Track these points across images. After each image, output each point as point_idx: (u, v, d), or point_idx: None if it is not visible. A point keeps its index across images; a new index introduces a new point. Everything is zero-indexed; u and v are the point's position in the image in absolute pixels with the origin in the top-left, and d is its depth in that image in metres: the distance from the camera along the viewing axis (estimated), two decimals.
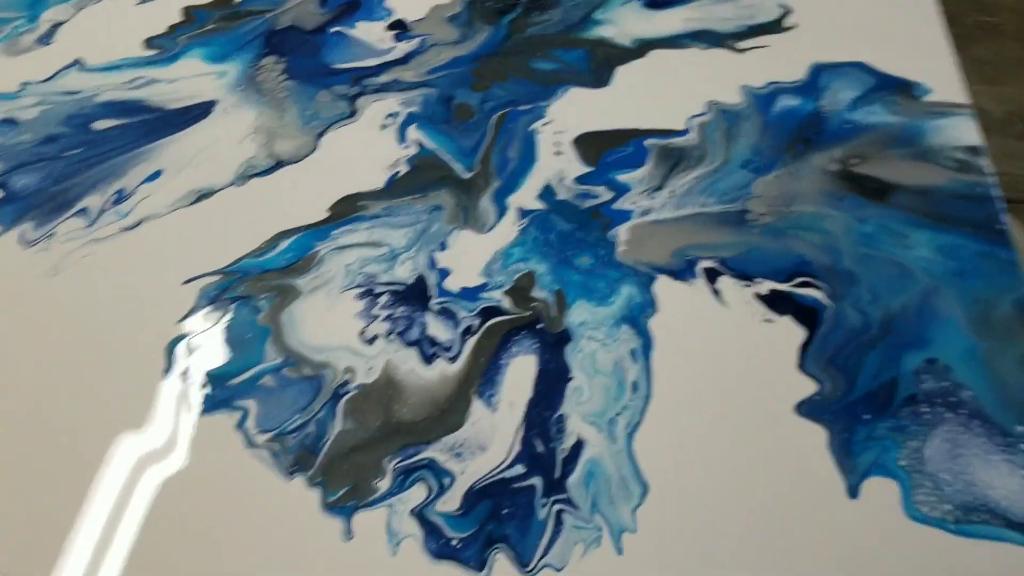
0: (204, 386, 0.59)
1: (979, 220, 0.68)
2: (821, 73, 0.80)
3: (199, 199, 0.70)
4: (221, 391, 0.59)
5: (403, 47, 0.83)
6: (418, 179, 0.72)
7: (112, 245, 0.67)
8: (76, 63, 0.82)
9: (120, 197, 0.71)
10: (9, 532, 0.54)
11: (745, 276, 0.65)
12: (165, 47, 0.83)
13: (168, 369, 0.60)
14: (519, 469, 0.55)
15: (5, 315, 0.64)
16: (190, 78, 0.80)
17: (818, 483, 0.54)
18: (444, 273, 0.65)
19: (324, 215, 0.68)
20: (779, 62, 0.81)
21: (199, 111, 0.77)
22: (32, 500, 0.56)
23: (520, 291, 0.64)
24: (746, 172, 0.72)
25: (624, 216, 0.69)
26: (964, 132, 0.74)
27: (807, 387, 0.58)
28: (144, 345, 0.61)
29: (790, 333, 0.61)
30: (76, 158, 0.74)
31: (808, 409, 0.57)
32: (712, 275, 0.65)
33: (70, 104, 0.78)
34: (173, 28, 0.86)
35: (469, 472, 0.55)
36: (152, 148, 0.74)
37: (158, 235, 0.68)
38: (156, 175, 0.72)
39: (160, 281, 0.64)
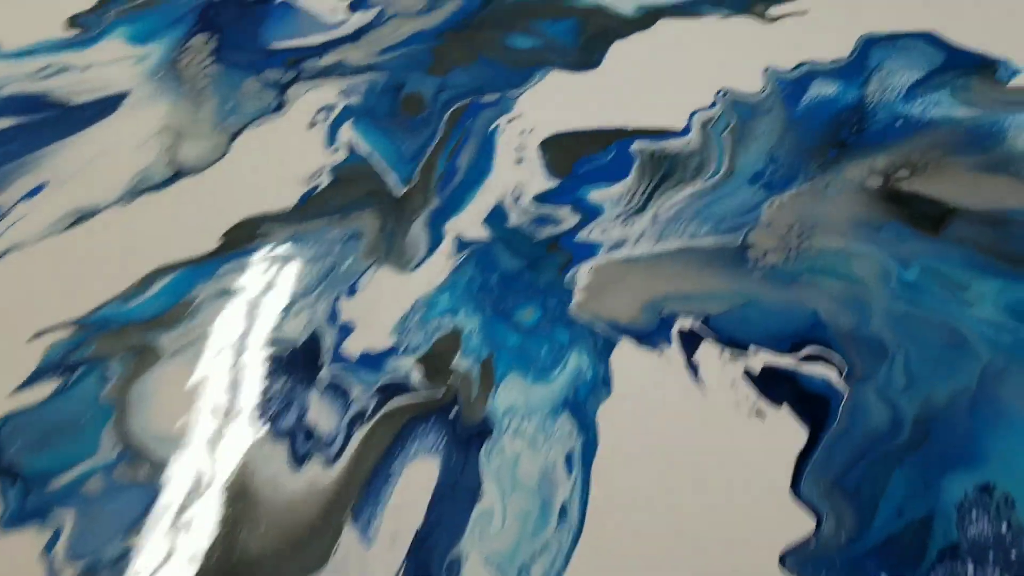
0: (16, 487, 0.43)
1: None
2: (872, 48, 0.58)
3: (76, 222, 0.54)
4: (36, 496, 0.43)
5: (357, 19, 0.65)
6: (339, 196, 0.54)
7: None
8: None
9: None
10: None
11: (735, 343, 0.45)
12: (89, 26, 0.67)
13: None
14: None
15: None
16: (106, 64, 0.64)
17: None
18: (345, 331, 0.47)
19: (214, 244, 0.52)
20: (820, 34, 0.59)
21: (104, 107, 0.61)
22: None
23: (437, 359, 0.46)
24: (755, 189, 0.51)
25: (589, 251, 0.50)
26: None
27: (801, 523, 0.39)
28: None
29: (787, 434, 0.42)
30: None
31: (797, 561, 0.38)
32: (691, 341, 0.45)
33: None
34: (102, 2, 0.69)
35: None
36: (40, 156, 0.58)
37: (21, 270, 0.52)
38: (37, 190, 0.56)
39: (4, 336, 0.49)
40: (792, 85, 0.57)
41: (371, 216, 0.53)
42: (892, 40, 0.58)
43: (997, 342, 0.44)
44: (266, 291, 0.50)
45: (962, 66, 0.56)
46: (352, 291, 0.50)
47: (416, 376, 0.46)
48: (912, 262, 0.48)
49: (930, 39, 0.58)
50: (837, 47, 0.59)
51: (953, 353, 0.44)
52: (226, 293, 0.50)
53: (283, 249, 0.52)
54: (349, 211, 0.54)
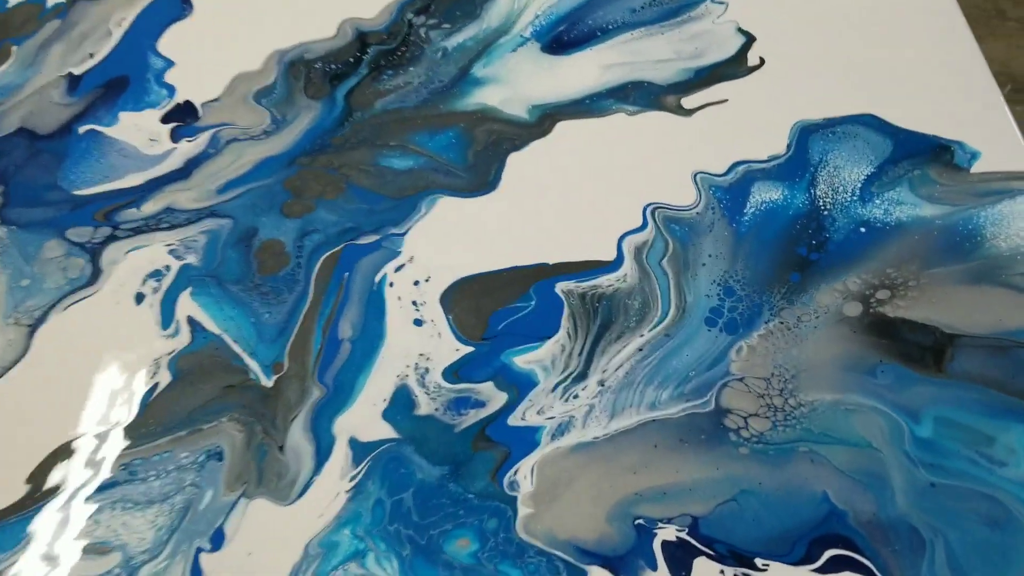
0: None
1: None
2: (810, 139, 0.50)
3: None
4: None
5: (184, 149, 0.52)
6: (186, 398, 0.41)
7: None
8: None
9: None
10: None
11: (737, 556, 0.35)
12: None
13: None
14: None
15: None
16: None
17: None
18: None
19: (20, 491, 0.37)
20: (746, 126, 0.51)
21: None
22: None
23: None
24: (716, 333, 0.42)
25: (528, 440, 0.39)
26: None
27: None
28: None
29: None
30: None
31: None
32: (681, 558, 0.35)
33: None
34: None
35: None
36: None
37: None
38: None
39: None
40: (730, 193, 0.48)
41: (232, 423, 0.41)
42: (830, 127, 0.51)
43: None
44: (96, 554, 0.36)
45: (915, 153, 0.49)
46: (218, 540, 0.37)
47: None
48: (922, 413, 0.39)
49: (871, 122, 0.51)
50: (770, 141, 0.51)
51: (999, 533, 0.36)
52: (43, 560, 0.36)
53: (116, 488, 0.38)
54: (201, 419, 0.41)
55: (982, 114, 0.51)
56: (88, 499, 0.38)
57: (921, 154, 0.49)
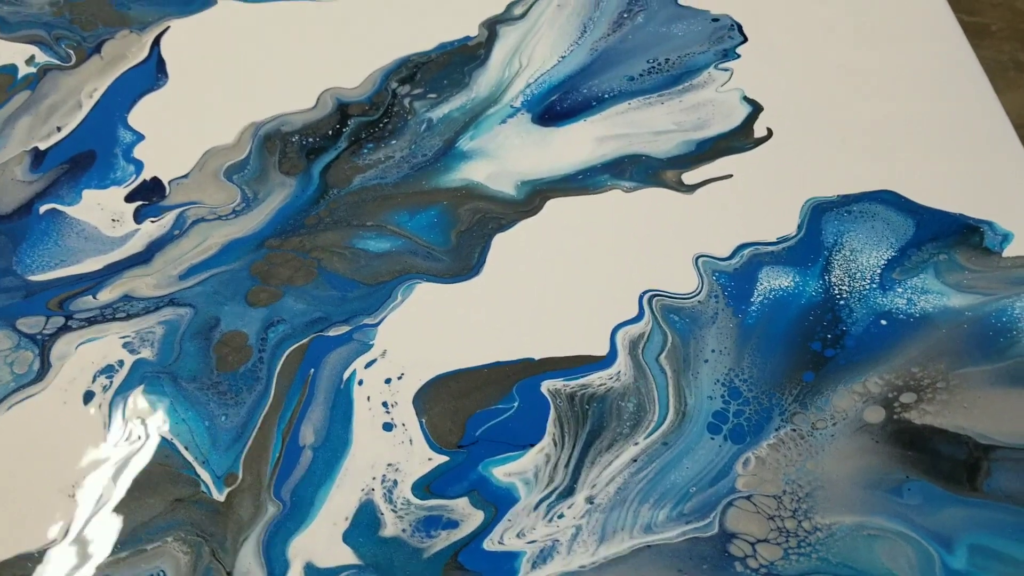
0: None
1: None
2: (823, 219, 0.46)
3: None
4: None
5: (148, 230, 0.49)
6: (132, 513, 0.37)
7: None
8: None
9: None
10: None
11: None
12: None
13: None
14: None
15: None
16: None
17: None
18: None
19: None
20: (753, 205, 0.48)
21: None
22: None
23: None
24: (720, 442, 0.38)
25: (505, 570, 0.35)
26: None
27: None
28: None
29: None
30: None
31: None
32: None
33: None
34: None
35: None
36: None
37: None
38: None
39: None
40: (735, 279, 0.45)
41: (178, 543, 0.37)
42: (845, 206, 0.48)
43: None
44: None
45: (940, 235, 0.46)
46: None
47: None
48: (955, 540, 0.35)
49: (890, 199, 0.48)
50: (779, 221, 0.47)
51: None
52: None
53: None
54: (145, 538, 0.37)
55: (1014, 189, 0.47)
56: None
57: (947, 236, 0.46)
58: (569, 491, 0.38)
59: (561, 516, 0.37)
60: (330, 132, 0.54)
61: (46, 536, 0.38)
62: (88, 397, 0.43)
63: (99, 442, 0.41)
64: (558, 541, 0.36)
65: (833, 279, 0.44)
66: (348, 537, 0.37)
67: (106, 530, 0.38)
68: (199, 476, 0.39)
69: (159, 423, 0.41)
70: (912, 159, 0.50)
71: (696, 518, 0.36)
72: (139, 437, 0.41)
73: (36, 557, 0.37)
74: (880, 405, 0.39)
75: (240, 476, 0.39)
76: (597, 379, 0.41)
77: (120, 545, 0.37)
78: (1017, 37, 1.68)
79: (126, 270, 0.48)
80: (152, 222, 0.50)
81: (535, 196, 0.50)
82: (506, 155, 0.52)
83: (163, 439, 0.41)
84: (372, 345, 0.44)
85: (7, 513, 0.39)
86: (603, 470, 0.38)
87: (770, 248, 0.46)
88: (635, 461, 0.38)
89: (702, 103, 0.54)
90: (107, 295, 0.47)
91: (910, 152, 0.50)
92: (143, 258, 0.49)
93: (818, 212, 0.48)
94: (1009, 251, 0.45)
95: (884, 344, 0.42)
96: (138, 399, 0.42)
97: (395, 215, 0.50)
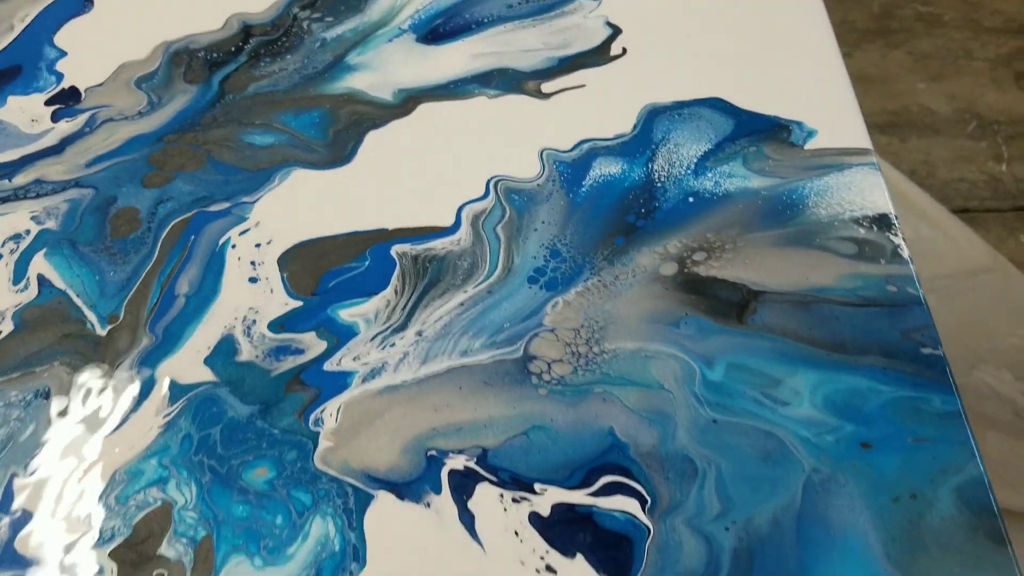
0: None
1: (893, 343, 0.42)
2: (656, 120, 0.54)
3: None
4: None
5: (63, 128, 0.57)
6: (25, 344, 0.45)
7: None
8: None
9: None
10: None
11: (518, 482, 0.38)
12: None
13: None
14: None
15: None
16: None
17: None
18: (21, 522, 0.38)
19: None
20: (600, 109, 0.56)
21: None
22: None
23: (139, 548, 0.37)
24: (536, 290, 0.46)
25: (339, 384, 0.43)
26: (866, 192, 0.49)
27: None
28: None
29: None
30: None
31: None
32: (465, 484, 0.38)
33: None
34: None
35: None
36: None
37: None
38: None
39: None
40: (572, 167, 0.53)
41: (63, 367, 0.45)
42: (678, 109, 0.55)
43: (818, 445, 0.39)
44: None
45: (754, 132, 0.53)
46: (30, 468, 0.40)
47: (111, 573, 0.37)
48: (716, 360, 0.43)
49: (717, 104, 0.55)
50: (619, 122, 0.55)
51: (771, 464, 0.39)
52: None
53: None
54: (35, 363, 0.45)
55: (825, 93, 0.55)
56: None
57: (760, 132, 0.53)
58: (402, 327, 0.46)
59: (393, 345, 0.45)
60: (233, 49, 0.62)
61: None
62: None
63: (3, 295, 0.48)
64: (387, 363, 0.44)
65: (655, 167, 0.52)
66: (208, 360, 0.45)
67: (4, 360, 0.45)
68: (86, 317, 0.47)
69: (56, 277, 0.49)
70: (745, 76, 0.57)
71: (505, 345, 0.44)
72: (37, 288, 0.48)
73: None
74: (675, 261, 0.47)
75: (121, 316, 0.47)
76: (440, 244, 0.49)
77: (13, 368, 0.45)
78: (969, 27, 1.77)
79: (39, 160, 0.56)
80: (67, 122, 0.58)
81: (409, 101, 0.58)
82: (388, 68, 0.60)
83: (58, 289, 0.48)
84: (247, 218, 0.51)
85: None
86: (433, 312, 0.46)
87: (606, 143, 0.54)
88: (462, 305, 0.46)
89: (569, 27, 0.62)
90: (20, 179, 0.55)
91: (744, 70, 0.58)
92: (56, 150, 0.56)
93: (653, 114, 0.55)
94: (810, 145, 0.53)
95: (687, 216, 0.49)
96: (40, 259, 0.50)
97: (281, 115, 0.57)
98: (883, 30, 1.77)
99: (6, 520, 0.39)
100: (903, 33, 1.76)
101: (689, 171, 0.52)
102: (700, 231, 0.49)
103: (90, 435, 0.42)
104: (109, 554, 0.38)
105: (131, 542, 0.38)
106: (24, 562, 0.38)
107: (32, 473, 0.41)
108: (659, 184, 0.51)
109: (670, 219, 0.49)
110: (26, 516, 0.39)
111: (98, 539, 0.38)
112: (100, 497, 0.40)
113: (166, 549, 0.38)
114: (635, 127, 0.55)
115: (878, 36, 1.76)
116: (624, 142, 0.54)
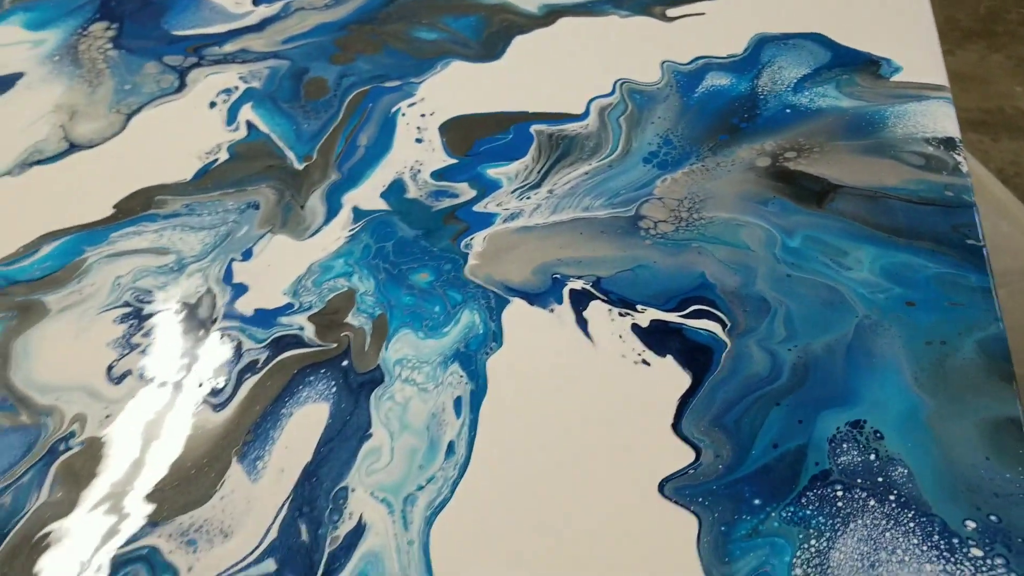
0: None
1: (944, 233, 0.51)
2: (764, 46, 0.64)
3: None
4: None
5: (261, 11, 0.69)
6: (238, 170, 0.57)
7: None
8: None
9: None
10: None
11: (624, 302, 0.49)
12: None
13: None
14: (269, 566, 0.41)
15: None
16: (2, 47, 0.66)
17: None
18: (240, 290, 0.50)
19: (108, 213, 0.54)
20: (716, 34, 0.66)
21: None
22: None
23: (330, 316, 0.49)
24: (649, 168, 0.56)
25: (485, 221, 0.54)
26: (937, 120, 0.58)
27: (682, 456, 0.43)
28: None
29: (672, 380, 0.46)
30: None
31: (677, 489, 0.42)
32: (581, 300, 0.49)
33: None
34: None
35: (199, 569, 0.40)
36: None
37: None
38: None
39: None
40: (688, 77, 0.63)
41: (269, 189, 0.57)
42: (784, 39, 0.65)
43: (871, 299, 0.49)
44: (159, 254, 0.52)
45: (848, 64, 0.63)
46: (247, 255, 0.53)
47: (309, 332, 0.49)
48: (796, 232, 0.53)
49: (819, 39, 0.65)
50: (732, 45, 0.65)
51: (831, 309, 0.49)
52: (117, 256, 0.52)
53: (178, 217, 0.55)
54: (247, 184, 0.57)
55: (913, 35, 0.64)
56: (156, 221, 0.55)
57: (853, 64, 0.63)
58: (537, 185, 0.56)
59: (528, 198, 0.56)
60: None
61: (178, 174, 0.58)
62: (211, 105, 0.63)
63: (218, 132, 0.61)
64: (523, 210, 0.55)
65: (760, 83, 0.62)
66: (384, 195, 0.56)
67: (220, 177, 0.58)
68: (286, 155, 0.59)
69: (261, 124, 0.61)
70: (842, 12, 0.67)
71: (620, 206, 0.55)
72: (247, 130, 0.61)
73: (173, 187, 0.57)
74: (769, 156, 0.57)
75: (314, 156, 0.59)
76: (571, 127, 0.60)
77: (229, 185, 0.57)
78: None
79: (243, 35, 0.68)
80: (265, 6, 0.70)
81: (552, 14, 0.68)
82: None
83: (262, 133, 0.60)
84: (414, 95, 0.63)
85: (148, 161, 0.58)
86: (563, 176, 0.57)
87: (719, 60, 0.64)
88: (586, 174, 0.57)
89: None
90: (229, 48, 0.67)
91: (842, 7, 0.67)
92: (256, 28, 0.69)
93: (762, 42, 0.65)
94: (896, 79, 0.62)
95: (784, 123, 0.59)
96: (247, 109, 0.62)
97: (444, 18, 0.69)
98: (987, 32, 1.81)
99: (229, 288, 0.51)
100: (1006, 36, 1.80)
101: (789, 88, 0.61)
102: (793, 136, 0.58)
103: (292, 238, 0.54)
104: (308, 318, 0.50)
105: (324, 312, 0.50)
106: (243, 318, 0.50)
107: (247, 259, 0.53)
108: (762, 96, 0.61)
109: (769, 124, 0.59)
110: (240, 288, 0.51)
111: (298, 308, 0.50)
112: (299, 279, 0.52)
113: (351, 319, 0.50)
114: (745, 50, 0.64)
115: (981, 37, 1.80)
116: (735, 61, 0.64)
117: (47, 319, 0.49)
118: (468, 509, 0.42)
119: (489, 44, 0.66)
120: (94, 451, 0.44)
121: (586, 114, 0.60)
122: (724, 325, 0.48)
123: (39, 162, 0.58)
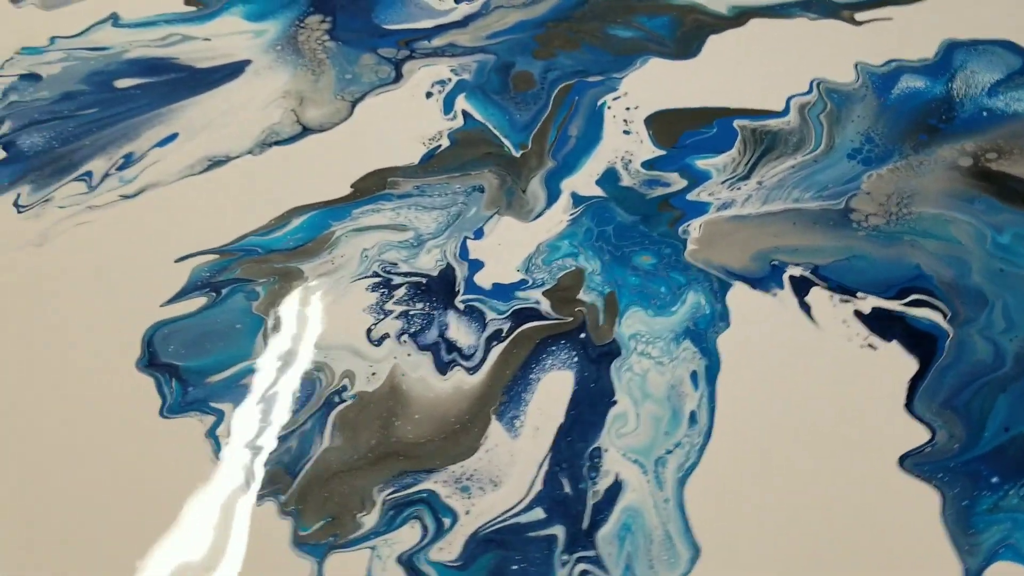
0: (176, 381, 0.49)
1: None
2: (955, 52, 0.66)
3: (211, 167, 0.61)
4: (196, 389, 0.49)
5: (464, 8, 0.73)
6: (460, 155, 0.61)
7: (108, 214, 0.59)
8: (111, 17, 0.75)
9: (127, 161, 0.62)
10: None
11: (844, 289, 0.52)
12: (206, 3, 0.75)
13: (143, 359, 0.51)
14: (538, 513, 0.44)
15: None
16: (226, 36, 0.72)
17: (926, 563, 0.42)
18: (476, 266, 0.54)
19: (346, 191, 0.58)
20: (904, 38, 0.68)
21: (229, 71, 0.68)
22: None
23: (563, 292, 0.52)
24: (854, 163, 0.59)
25: (699, 209, 0.57)
26: None
27: (916, 434, 0.45)
28: (120, 329, 0.52)
29: (897, 364, 0.48)
30: (90, 117, 0.66)
31: (916, 464, 0.44)
32: (801, 286, 0.52)
33: (96, 60, 0.71)
34: None
35: (475, 512, 0.44)
36: (171, 110, 0.65)
37: (159, 205, 0.59)
38: (170, 139, 0.63)
39: (151, 257, 0.56)
40: (882, 78, 0.65)
41: (491, 173, 0.60)
42: (973, 45, 0.67)
43: None
44: (399, 230, 0.56)
45: None
46: (479, 234, 0.56)
47: (545, 306, 0.52)
48: (1005, 229, 0.55)
49: (1009, 46, 0.66)
50: (922, 50, 0.67)
51: None
52: (362, 231, 0.56)
53: (411, 197, 0.59)
54: (470, 168, 0.61)
55: None
56: (391, 200, 0.59)
57: None
58: (746, 176, 0.59)
59: (738, 188, 0.58)
60: None
61: (405, 159, 0.62)
62: (428, 95, 0.67)
63: (437, 120, 0.65)
64: (735, 200, 0.58)
65: (954, 86, 0.64)
66: (599, 182, 0.59)
67: (445, 162, 0.62)
68: (503, 143, 0.63)
69: (475, 113, 0.65)
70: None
71: (830, 199, 0.57)
72: (463, 119, 0.64)
73: (405, 170, 0.61)
74: (970, 157, 0.59)
75: (529, 145, 0.62)
76: (773, 123, 0.63)
77: (454, 170, 0.61)
78: None
79: (448, 30, 0.72)
80: (467, 4, 0.74)
81: (742, 16, 0.71)
82: None
83: (478, 122, 0.64)
84: (618, 89, 0.66)
85: (373, 146, 0.63)
86: (771, 169, 0.59)
87: (911, 63, 0.66)
88: (793, 167, 0.60)
89: None
90: (438, 42, 0.71)
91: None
92: (460, 24, 0.72)
93: (952, 47, 0.67)
94: None
95: (982, 125, 0.61)
96: (461, 99, 0.66)
97: (638, 17, 0.72)
98: None
99: (466, 263, 0.55)
100: None
101: (984, 92, 0.63)
102: (992, 138, 0.60)
103: (518, 220, 0.57)
104: (543, 293, 0.53)
105: (557, 289, 0.53)
106: (483, 291, 0.54)
107: (479, 238, 0.57)
108: (957, 99, 0.63)
109: (967, 125, 0.61)
110: (476, 264, 0.55)
111: (532, 284, 0.54)
112: (530, 257, 0.55)
113: (583, 295, 0.53)
114: (936, 54, 0.66)
115: None
116: (927, 64, 0.66)
117: (306, 285, 0.53)
118: (715, 470, 0.45)
119: (684, 42, 0.69)
120: (364, 404, 0.48)
121: (786, 111, 0.63)
122: (944, 315, 0.50)
123: (277, 143, 0.62)
